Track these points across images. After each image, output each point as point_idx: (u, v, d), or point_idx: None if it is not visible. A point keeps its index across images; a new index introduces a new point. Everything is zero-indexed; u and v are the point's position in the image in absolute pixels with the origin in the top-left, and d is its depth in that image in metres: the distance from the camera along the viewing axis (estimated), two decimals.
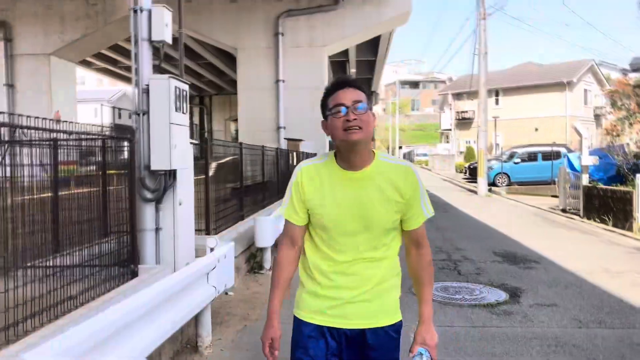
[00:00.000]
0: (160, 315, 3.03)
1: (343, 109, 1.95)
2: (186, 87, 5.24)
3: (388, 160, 2.08)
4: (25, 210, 4.54)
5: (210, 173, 10.79)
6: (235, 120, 32.48)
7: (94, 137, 4.35)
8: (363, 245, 2.05)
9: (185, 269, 3.54)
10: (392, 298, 2.13)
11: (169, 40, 5.10)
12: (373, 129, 2.01)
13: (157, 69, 5.37)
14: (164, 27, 4.96)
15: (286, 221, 2.14)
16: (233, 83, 18.49)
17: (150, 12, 4.97)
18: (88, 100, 48.24)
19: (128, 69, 27.53)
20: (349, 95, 1.97)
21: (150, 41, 5.04)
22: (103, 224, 5.27)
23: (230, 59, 22.40)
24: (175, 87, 4.99)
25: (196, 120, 46.33)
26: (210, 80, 34.74)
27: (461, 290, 6.39)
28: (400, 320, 2.14)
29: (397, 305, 2.14)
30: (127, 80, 30.29)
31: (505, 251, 8.86)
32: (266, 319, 2.14)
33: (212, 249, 4.11)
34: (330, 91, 2.04)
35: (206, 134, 44.22)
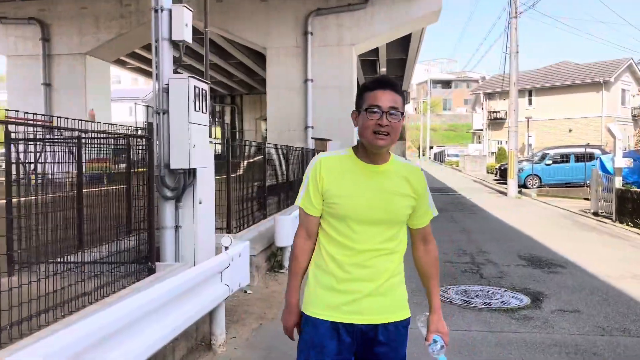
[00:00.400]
0: (167, 314, 3.07)
1: (378, 111, 2.02)
2: (206, 87, 5.29)
3: (401, 160, 2.22)
4: (50, 207, 4.66)
5: (240, 172, 10.92)
6: (266, 119, 32.71)
7: (109, 136, 4.43)
8: (380, 235, 2.10)
9: (196, 267, 3.58)
10: (402, 292, 2.19)
11: (189, 40, 5.16)
12: (399, 133, 2.09)
13: (179, 68, 5.44)
14: (183, 26, 5.02)
15: (302, 212, 2.19)
16: (264, 82, 18.58)
17: (170, 11, 5.03)
18: (123, 99, 49.24)
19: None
20: (387, 99, 2.03)
21: (171, 41, 5.11)
22: (126, 221, 5.39)
23: (261, 58, 22.54)
24: (195, 87, 5.05)
25: (227, 119, 46.82)
26: (241, 79, 35.01)
27: (482, 294, 6.30)
28: (409, 317, 2.20)
29: (406, 300, 2.20)
30: None
31: (530, 255, 8.69)
32: (286, 307, 2.22)
33: (226, 248, 4.15)
34: (369, 87, 2.08)
35: (237, 133, 44.66)
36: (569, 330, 5.06)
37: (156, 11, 5.02)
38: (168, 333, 2.99)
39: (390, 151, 2.20)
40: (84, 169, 5.54)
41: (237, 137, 43.24)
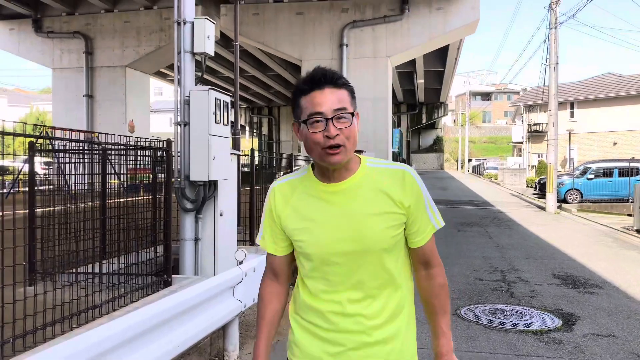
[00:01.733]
0: (172, 330, 3.02)
1: (321, 119, 1.58)
2: (228, 99, 5.29)
3: (378, 165, 1.72)
4: (73, 217, 4.72)
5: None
6: None
7: (127, 147, 4.46)
8: (360, 273, 1.66)
9: (204, 283, 3.53)
10: (406, 344, 1.73)
11: (211, 53, 5.18)
12: (357, 139, 1.65)
13: (201, 81, 5.46)
14: (205, 39, 5.04)
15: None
16: None
17: (192, 24, 5.07)
18: (164, 110, 50.30)
19: (201, 81, 28.51)
20: (328, 100, 1.58)
21: (193, 53, 5.14)
22: (149, 232, 5.41)
23: (298, 70, 22.73)
24: (216, 99, 5.05)
25: (265, 130, 47.29)
26: (278, 91, 35.35)
27: (510, 314, 6.06)
28: None
29: (415, 354, 1.77)
30: None
31: (565, 273, 8.35)
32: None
33: (240, 262, 4.09)
34: (303, 90, 1.63)
35: (274, 144, 44.99)
36: (601, 356, 4.80)
37: (179, 24, 5.07)
38: (171, 349, 2.94)
39: (361, 155, 1.76)
40: (122, 178, 5.63)
41: (274, 148, 43.58)
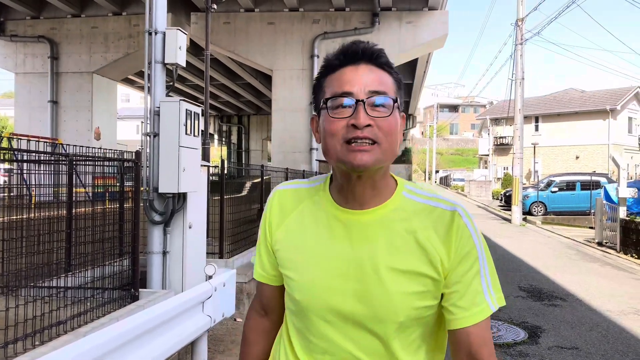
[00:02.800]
0: (140, 347, 2.95)
1: (348, 101, 1.10)
2: (198, 110, 5.24)
3: (418, 199, 1.20)
4: (37, 228, 4.59)
5: (244, 192, 10.83)
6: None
7: (96, 159, 4.37)
8: (360, 349, 1.17)
9: (176, 298, 3.47)
10: None
11: (183, 63, 5.13)
12: (399, 144, 1.16)
13: (184, 87, 5.40)
14: (177, 50, 4.99)
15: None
16: (271, 103, 18.68)
17: (164, 34, 5.01)
18: (131, 117, 49.59)
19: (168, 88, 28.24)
20: (366, 79, 1.11)
21: (164, 64, 5.08)
22: (116, 244, 5.29)
23: (268, 79, 22.70)
24: (187, 110, 4.99)
25: (234, 139, 47.02)
26: (248, 100, 35.23)
27: None
28: None
29: None
30: None
31: (531, 286, 8.51)
32: None
33: (209, 277, 4.04)
34: (332, 65, 1.16)
35: (243, 153, 44.76)
36: None
37: (150, 34, 5.01)
38: None
39: (394, 175, 1.27)
40: (88, 187, 5.50)
41: (243, 158, 43.36)
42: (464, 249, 1.14)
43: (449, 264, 1.13)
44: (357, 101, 1.09)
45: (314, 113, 1.22)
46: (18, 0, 17.73)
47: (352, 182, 1.14)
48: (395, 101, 1.13)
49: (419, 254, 1.14)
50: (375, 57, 1.15)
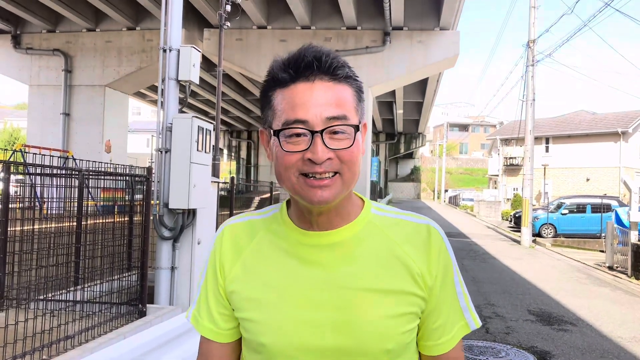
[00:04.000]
0: None
1: (304, 132, 0.97)
2: (210, 127, 5.27)
3: (389, 215, 1.11)
4: (48, 241, 4.60)
5: (252, 208, 10.87)
6: None
7: (107, 174, 4.39)
8: None
9: (181, 315, 3.45)
10: None
11: (196, 80, 5.17)
12: (359, 165, 1.03)
13: (197, 102, 5.44)
14: (190, 67, 5.03)
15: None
16: None
17: (178, 52, 5.06)
18: (142, 130, 49.96)
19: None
20: (319, 101, 0.97)
21: (178, 80, 5.12)
22: (125, 259, 5.30)
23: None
24: (199, 127, 5.03)
25: (243, 154, 47.24)
26: (258, 115, 35.37)
27: (486, 351, 6.04)
28: None
29: None
30: None
31: (540, 309, 8.41)
32: None
33: None
34: (277, 80, 1.01)
35: (252, 169, 44.92)
36: None
37: (164, 51, 5.06)
38: None
39: (358, 193, 1.14)
40: (98, 199, 5.52)
41: (252, 173, 43.50)
42: (442, 263, 1.07)
43: (430, 280, 1.05)
44: (314, 132, 0.96)
45: (262, 127, 1.08)
46: (35, 13, 18.01)
47: (314, 214, 1.04)
48: (356, 127, 0.99)
49: (401, 270, 1.04)
50: (332, 69, 0.99)
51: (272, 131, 1.00)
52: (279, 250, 1.07)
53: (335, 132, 0.97)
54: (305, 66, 0.98)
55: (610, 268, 13.62)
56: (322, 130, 0.95)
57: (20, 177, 7.40)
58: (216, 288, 1.11)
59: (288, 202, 1.12)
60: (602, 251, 16.49)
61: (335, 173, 0.97)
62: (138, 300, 4.54)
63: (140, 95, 29.03)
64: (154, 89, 26.17)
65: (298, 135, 0.97)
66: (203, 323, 1.12)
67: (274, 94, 1.01)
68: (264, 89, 1.04)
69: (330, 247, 1.04)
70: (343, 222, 1.06)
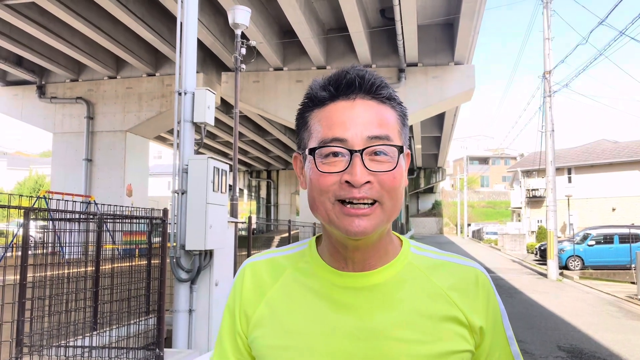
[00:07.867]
0: None
1: (343, 151, 0.89)
2: (226, 167, 5.28)
3: (431, 255, 1.02)
4: (65, 286, 4.59)
5: (273, 247, 10.84)
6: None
7: (125, 218, 4.40)
8: None
9: (200, 358, 3.38)
10: None
11: (211, 122, 5.22)
12: (404, 196, 0.98)
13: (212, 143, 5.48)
14: (205, 109, 5.08)
15: None
16: None
17: (193, 94, 5.12)
18: (162, 174, 50.67)
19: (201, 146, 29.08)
20: (360, 120, 0.90)
21: (193, 122, 5.17)
22: (143, 302, 5.26)
23: (296, 134, 23.08)
24: (214, 168, 5.04)
25: (263, 194, 47.50)
26: (277, 155, 35.72)
27: None
28: None
29: None
30: None
31: (571, 345, 8.10)
32: None
33: None
34: (315, 100, 0.95)
35: (272, 208, 45.06)
36: None
37: (180, 94, 5.13)
38: None
39: (395, 232, 1.04)
40: (117, 242, 5.53)
41: (272, 212, 43.58)
42: (492, 310, 0.98)
43: (480, 330, 0.95)
44: (353, 152, 0.87)
45: (297, 151, 1.00)
46: (59, 64, 18.59)
47: (349, 249, 0.94)
48: (400, 150, 0.91)
49: (447, 322, 0.93)
50: (375, 90, 0.92)
51: (307, 150, 0.92)
52: (308, 291, 0.97)
53: (377, 153, 0.89)
54: (346, 84, 0.92)
55: None
56: (362, 150, 0.88)
57: (42, 222, 7.49)
58: (233, 334, 1.02)
59: (318, 238, 1.04)
60: (633, 282, 15.98)
61: (375, 202, 0.88)
62: (155, 345, 4.48)
63: (160, 139, 29.53)
64: (174, 132, 26.58)
65: (335, 155, 0.89)
66: None
67: (311, 114, 0.95)
68: (301, 111, 0.98)
69: (367, 290, 0.94)
70: (380, 261, 0.96)
